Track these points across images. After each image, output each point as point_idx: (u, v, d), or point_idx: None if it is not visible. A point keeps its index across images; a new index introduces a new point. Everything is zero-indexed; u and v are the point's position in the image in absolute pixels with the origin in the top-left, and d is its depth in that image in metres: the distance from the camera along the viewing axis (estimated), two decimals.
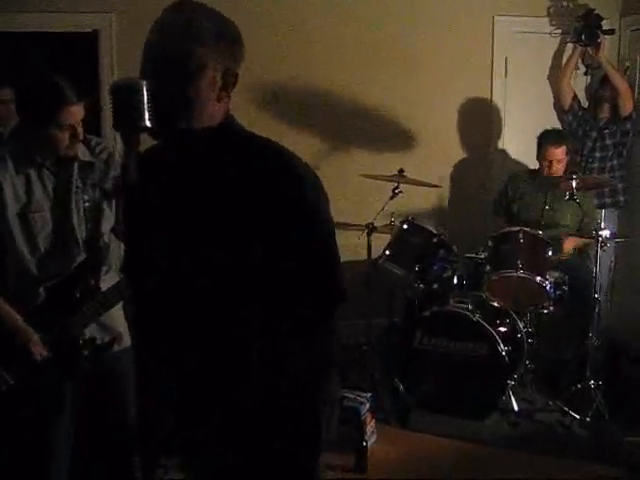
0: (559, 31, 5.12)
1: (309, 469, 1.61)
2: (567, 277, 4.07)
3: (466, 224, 4.90)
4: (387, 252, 4.09)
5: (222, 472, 1.63)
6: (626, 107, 4.73)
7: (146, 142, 1.51)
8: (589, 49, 4.85)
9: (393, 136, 5.09)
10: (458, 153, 5.23)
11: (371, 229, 4.13)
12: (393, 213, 4.28)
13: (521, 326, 4.00)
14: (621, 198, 4.88)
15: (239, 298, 1.53)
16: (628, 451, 3.49)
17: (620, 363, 4.34)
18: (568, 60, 5.03)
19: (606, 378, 3.91)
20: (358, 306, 3.68)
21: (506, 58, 5.13)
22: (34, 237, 2.37)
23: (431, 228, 4.15)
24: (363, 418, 3.44)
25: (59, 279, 2.40)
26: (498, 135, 5.23)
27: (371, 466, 3.39)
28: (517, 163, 5.15)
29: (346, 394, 3.47)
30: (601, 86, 4.87)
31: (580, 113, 4.97)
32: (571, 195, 3.92)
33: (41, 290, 2.40)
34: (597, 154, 4.84)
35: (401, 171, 4.18)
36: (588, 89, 5.15)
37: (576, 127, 4.95)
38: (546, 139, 4.40)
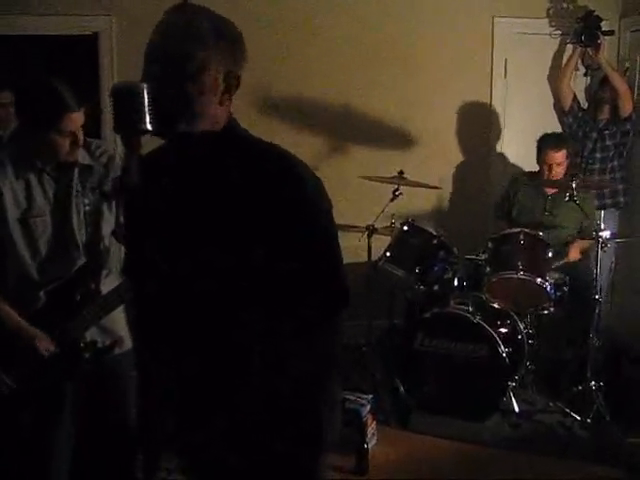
0: (559, 32, 5.13)
1: (311, 471, 1.61)
2: (567, 278, 4.07)
3: (466, 225, 4.90)
4: (387, 254, 4.09)
5: (224, 474, 1.63)
6: (626, 108, 4.74)
7: (147, 145, 1.51)
8: (589, 50, 4.85)
9: (393, 137, 5.09)
10: (458, 155, 5.23)
11: (371, 231, 4.13)
12: (393, 215, 4.28)
13: (521, 327, 4.01)
14: (621, 199, 4.88)
15: (241, 300, 1.53)
16: (629, 452, 3.49)
17: (621, 364, 4.34)
18: (568, 61, 5.03)
19: (607, 379, 3.91)
20: (358, 307, 3.64)
21: (506, 59, 5.14)
22: (35, 242, 2.36)
23: (431, 230, 4.15)
24: (364, 420, 3.44)
25: (59, 283, 2.40)
26: (498, 137, 5.24)
27: (372, 467, 3.39)
28: (517, 165, 5.15)
29: (347, 396, 3.47)
30: (601, 87, 4.87)
31: (580, 114, 4.98)
32: (571, 197, 3.92)
33: (42, 294, 2.40)
34: (597, 155, 4.84)
35: (401, 173, 4.18)
36: (588, 90, 5.16)
37: (576, 128, 4.95)
38: (546, 143, 4.39)
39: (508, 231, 4.07)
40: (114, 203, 2.41)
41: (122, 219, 1.43)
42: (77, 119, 2.30)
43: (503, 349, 3.75)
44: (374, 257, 4.14)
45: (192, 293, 1.56)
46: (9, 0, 4.57)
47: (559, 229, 4.35)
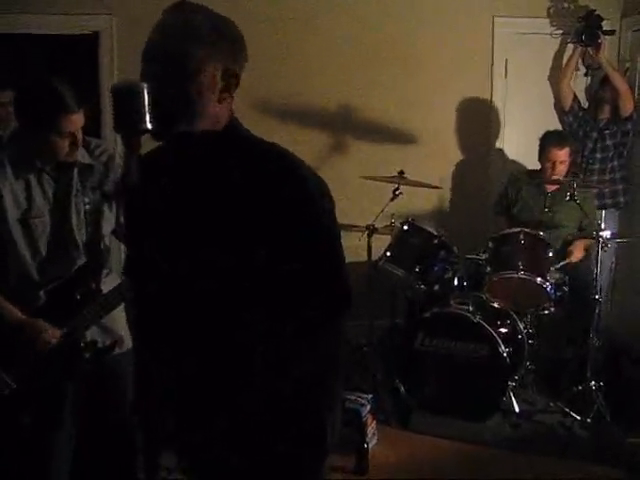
0: (560, 32, 5.13)
1: (313, 472, 1.60)
2: (567, 278, 4.06)
3: (466, 225, 4.90)
4: (388, 253, 4.09)
5: (225, 475, 1.63)
6: (626, 108, 4.73)
7: (147, 145, 1.51)
8: (589, 50, 4.85)
9: (393, 137, 5.09)
10: (458, 154, 5.23)
11: (372, 230, 4.13)
12: (393, 214, 4.27)
13: (522, 327, 4.00)
14: (622, 199, 4.88)
15: (243, 301, 1.53)
16: (629, 452, 3.49)
17: (621, 364, 4.34)
18: (568, 61, 5.03)
19: (607, 379, 3.91)
20: (359, 307, 3.63)
21: (506, 59, 5.13)
22: (35, 242, 2.36)
23: (431, 229, 4.15)
24: (364, 420, 3.44)
25: (60, 282, 2.40)
26: (498, 136, 5.23)
27: (372, 467, 3.39)
28: (517, 164, 5.15)
29: (347, 395, 3.46)
30: (601, 87, 4.87)
31: (580, 114, 4.97)
32: (572, 196, 3.92)
33: (42, 293, 2.39)
34: (598, 155, 4.84)
35: (401, 172, 4.17)
36: (588, 90, 5.15)
37: (576, 128, 4.95)
38: (549, 140, 4.39)
39: (508, 231, 4.06)
40: (114, 202, 2.42)
41: (122, 219, 1.42)
42: (77, 120, 2.30)
43: (503, 349, 3.75)
44: (374, 257, 4.14)
45: (193, 293, 1.56)
46: None
47: (559, 228, 4.34)
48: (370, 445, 3.46)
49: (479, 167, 5.23)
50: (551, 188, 4.43)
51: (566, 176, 4.30)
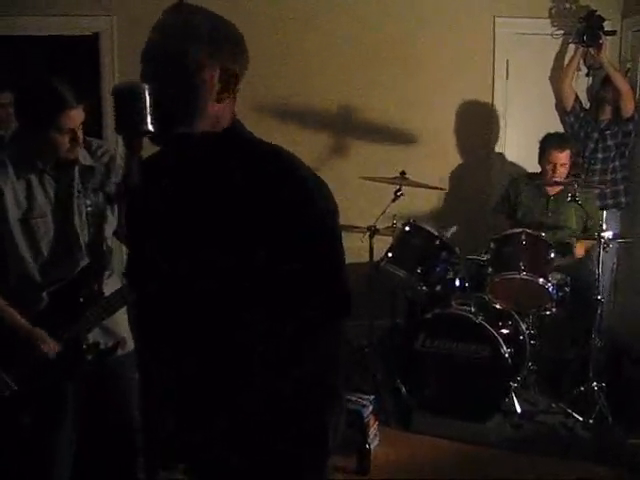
0: (561, 32, 5.12)
1: (316, 473, 1.60)
2: (569, 278, 4.06)
3: (468, 226, 4.89)
4: (389, 254, 4.09)
5: (226, 475, 1.63)
6: (628, 108, 4.73)
7: (148, 145, 1.51)
8: (591, 50, 4.84)
9: (394, 138, 5.09)
10: (459, 155, 5.22)
11: (373, 231, 4.12)
12: (395, 215, 4.27)
13: (524, 328, 4.00)
14: (623, 199, 4.88)
15: (243, 301, 1.53)
16: (631, 453, 3.49)
17: (623, 364, 4.33)
18: (570, 61, 5.03)
19: (609, 380, 3.90)
20: (360, 308, 3.65)
21: (507, 60, 5.13)
22: (37, 242, 2.36)
23: (433, 230, 4.15)
24: (366, 420, 3.44)
25: (62, 284, 2.40)
26: (499, 137, 5.23)
27: (373, 468, 3.39)
28: (518, 165, 5.15)
29: (349, 397, 3.46)
30: (603, 87, 4.87)
31: (582, 114, 4.97)
32: (573, 197, 3.92)
33: (44, 295, 2.39)
34: (599, 155, 4.84)
35: (403, 173, 4.17)
36: (590, 90, 5.15)
37: (578, 129, 4.95)
38: (550, 143, 4.38)
39: (510, 231, 4.06)
40: (116, 204, 2.42)
41: (124, 220, 1.42)
42: (76, 116, 2.30)
43: (505, 349, 3.75)
44: (376, 258, 4.13)
45: (194, 294, 1.56)
46: (9, 1, 4.56)
47: (561, 229, 4.34)
48: (372, 446, 3.46)
49: (480, 168, 5.23)
50: (552, 191, 4.42)
51: (567, 178, 4.29)
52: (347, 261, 1.59)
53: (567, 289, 4.02)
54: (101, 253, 2.45)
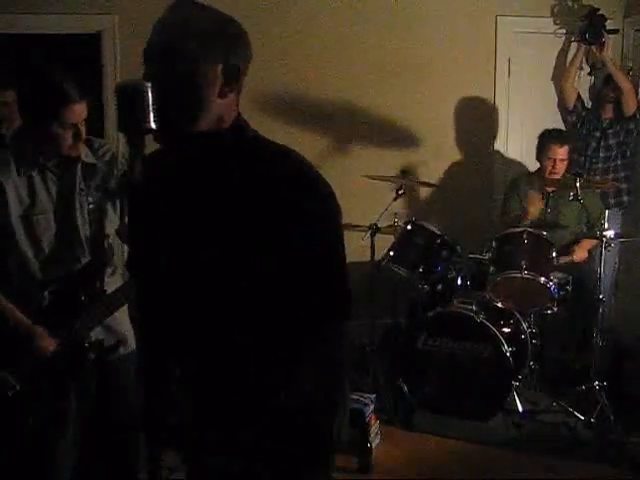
0: (563, 31, 5.12)
1: (319, 474, 1.60)
2: (571, 278, 4.06)
3: (469, 225, 4.89)
4: (391, 253, 4.09)
5: (228, 476, 1.62)
6: (630, 107, 4.73)
7: (150, 144, 1.51)
8: (593, 48, 4.84)
9: (396, 137, 5.08)
10: (461, 154, 5.22)
11: (375, 230, 4.12)
12: (396, 214, 4.27)
13: (525, 327, 4.00)
14: (625, 198, 4.87)
15: (245, 302, 1.53)
16: (633, 452, 3.49)
17: (624, 364, 4.33)
18: (572, 60, 5.02)
19: (610, 379, 3.90)
20: (361, 307, 3.65)
21: (509, 58, 5.13)
22: (38, 239, 2.36)
23: (434, 229, 4.14)
24: (367, 419, 3.43)
25: (64, 282, 2.39)
26: (501, 135, 5.22)
27: (375, 467, 3.39)
28: (520, 164, 5.14)
29: (350, 395, 3.46)
30: (605, 86, 4.86)
31: (584, 113, 4.97)
32: (575, 196, 3.91)
33: (46, 293, 2.39)
34: (601, 154, 4.83)
35: (404, 172, 4.17)
36: (592, 89, 5.15)
37: (580, 127, 4.94)
38: (549, 138, 4.38)
39: (512, 230, 4.05)
40: (118, 202, 2.42)
41: (126, 219, 1.42)
42: (79, 111, 2.29)
43: (507, 349, 3.75)
44: (377, 256, 4.13)
45: (196, 294, 1.55)
46: None
47: (564, 228, 4.33)
48: (373, 444, 3.46)
49: (482, 166, 5.23)
50: (551, 189, 4.41)
51: (566, 175, 4.29)
52: (348, 260, 1.59)
53: (569, 288, 4.02)
54: (102, 250, 2.45)
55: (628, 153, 4.86)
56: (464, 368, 3.81)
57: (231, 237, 1.51)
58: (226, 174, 1.53)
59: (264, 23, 4.69)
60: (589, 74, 5.06)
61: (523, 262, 3.82)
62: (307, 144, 4.68)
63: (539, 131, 4.53)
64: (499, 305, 3.98)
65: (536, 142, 4.50)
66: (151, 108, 1.35)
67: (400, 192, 4.19)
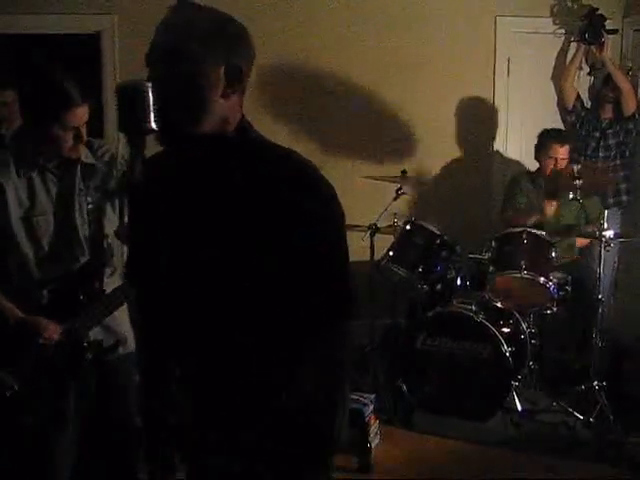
0: (562, 31, 5.12)
1: (319, 474, 1.60)
2: (570, 278, 4.06)
3: (469, 224, 4.89)
4: (390, 253, 4.09)
5: (228, 476, 1.62)
6: (629, 107, 4.73)
7: (151, 144, 1.51)
8: (592, 48, 4.84)
9: (395, 137, 5.08)
10: (461, 153, 5.22)
11: (374, 230, 4.13)
12: (396, 214, 4.27)
13: (524, 327, 4.00)
14: (624, 198, 4.88)
15: (247, 302, 1.53)
16: (632, 452, 3.49)
17: (623, 363, 4.33)
18: (572, 60, 5.02)
19: (610, 379, 3.90)
20: (361, 307, 3.64)
21: (508, 58, 5.13)
22: (38, 240, 2.36)
23: (434, 229, 4.14)
24: (367, 419, 3.43)
25: (63, 282, 2.39)
26: (500, 135, 5.22)
27: (375, 467, 3.39)
28: (519, 163, 5.14)
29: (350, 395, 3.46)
30: (604, 86, 4.86)
31: (583, 113, 4.97)
32: (575, 197, 3.91)
33: (45, 293, 2.39)
34: (600, 154, 4.84)
35: (404, 172, 4.17)
36: (591, 89, 5.15)
37: (579, 127, 4.94)
38: (550, 137, 4.38)
39: (511, 230, 4.05)
40: (117, 202, 2.42)
41: (126, 219, 1.42)
42: (81, 114, 2.29)
43: (506, 348, 3.75)
44: (377, 256, 4.13)
45: (197, 295, 1.55)
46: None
47: (560, 227, 4.33)
48: (373, 444, 3.46)
49: (481, 166, 5.23)
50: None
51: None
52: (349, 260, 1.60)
53: (568, 288, 4.02)
54: (101, 250, 2.45)
55: (627, 153, 4.86)
56: (463, 368, 3.81)
57: (234, 238, 1.51)
58: (229, 175, 1.53)
59: (263, 23, 4.69)
60: (588, 74, 5.07)
61: (523, 262, 3.82)
62: (307, 144, 4.69)
63: (538, 131, 4.53)
64: (498, 305, 3.99)
65: (535, 142, 4.50)
66: (152, 108, 1.35)
67: (400, 192, 4.19)
